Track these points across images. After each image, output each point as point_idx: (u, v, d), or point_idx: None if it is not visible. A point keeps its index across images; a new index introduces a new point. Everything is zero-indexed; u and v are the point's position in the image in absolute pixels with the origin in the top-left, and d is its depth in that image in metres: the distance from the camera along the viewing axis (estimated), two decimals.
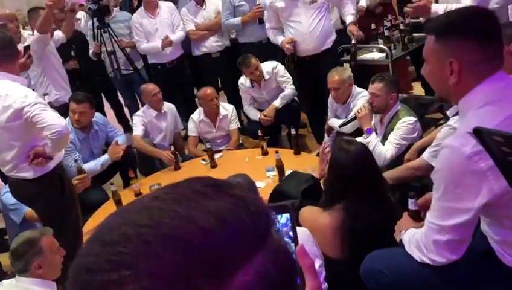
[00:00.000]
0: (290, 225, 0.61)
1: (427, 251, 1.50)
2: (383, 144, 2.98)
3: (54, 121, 2.41)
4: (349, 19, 3.86)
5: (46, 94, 3.85)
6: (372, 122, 3.19)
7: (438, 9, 2.74)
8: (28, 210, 3.08)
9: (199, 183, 0.48)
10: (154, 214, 0.44)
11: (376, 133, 3.13)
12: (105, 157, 3.73)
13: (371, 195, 1.99)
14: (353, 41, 3.82)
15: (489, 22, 1.39)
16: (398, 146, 2.92)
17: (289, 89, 4.29)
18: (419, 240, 1.54)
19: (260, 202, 0.49)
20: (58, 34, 4.13)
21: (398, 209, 2.05)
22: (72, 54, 4.74)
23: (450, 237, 1.42)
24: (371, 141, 2.96)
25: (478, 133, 1.12)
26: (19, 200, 2.84)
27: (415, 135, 2.96)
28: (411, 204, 1.88)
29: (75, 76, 4.52)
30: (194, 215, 0.43)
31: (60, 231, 2.66)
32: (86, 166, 3.66)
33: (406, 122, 2.94)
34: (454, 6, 2.54)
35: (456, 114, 2.41)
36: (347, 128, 3.49)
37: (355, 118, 3.18)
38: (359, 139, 2.90)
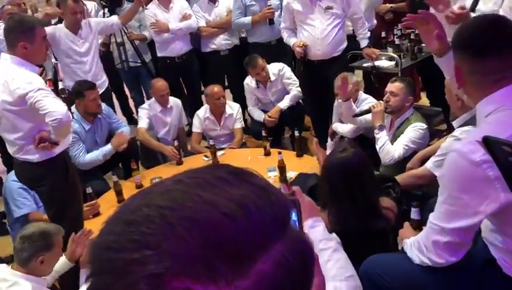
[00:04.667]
0: (297, 220, 0.61)
1: (427, 251, 1.51)
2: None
3: (55, 108, 2.40)
4: (363, 43, 3.93)
5: (61, 80, 3.82)
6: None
7: None
8: (34, 211, 3.09)
9: (222, 170, 0.48)
10: (178, 197, 0.44)
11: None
12: (108, 147, 3.73)
13: (354, 202, 1.97)
14: (372, 63, 3.97)
15: (487, 37, 1.38)
16: (406, 148, 2.95)
17: (294, 91, 4.30)
18: (420, 241, 1.56)
19: (279, 192, 0.49)
20: (113, 19, 4.24)
21: (397, 221, 2.05)
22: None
23: (450, 239, 1.43)
24: (381, 137, 2.99)
25: (487, 142, 1.13)
26: (23, 182, 2.85)
27: (423, 141, 3.00)
28: (414, 213, 1.88)
29: None
30: (216, 200, 0.43)
31: (61, 218, 2.67)
32: (88, 157, 3.66)
33: (418, 127, 2.98)
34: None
35: (461, 125, 2.43)
36: (349, 133, 3.55)
37: (369, 111, 3.20)
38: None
